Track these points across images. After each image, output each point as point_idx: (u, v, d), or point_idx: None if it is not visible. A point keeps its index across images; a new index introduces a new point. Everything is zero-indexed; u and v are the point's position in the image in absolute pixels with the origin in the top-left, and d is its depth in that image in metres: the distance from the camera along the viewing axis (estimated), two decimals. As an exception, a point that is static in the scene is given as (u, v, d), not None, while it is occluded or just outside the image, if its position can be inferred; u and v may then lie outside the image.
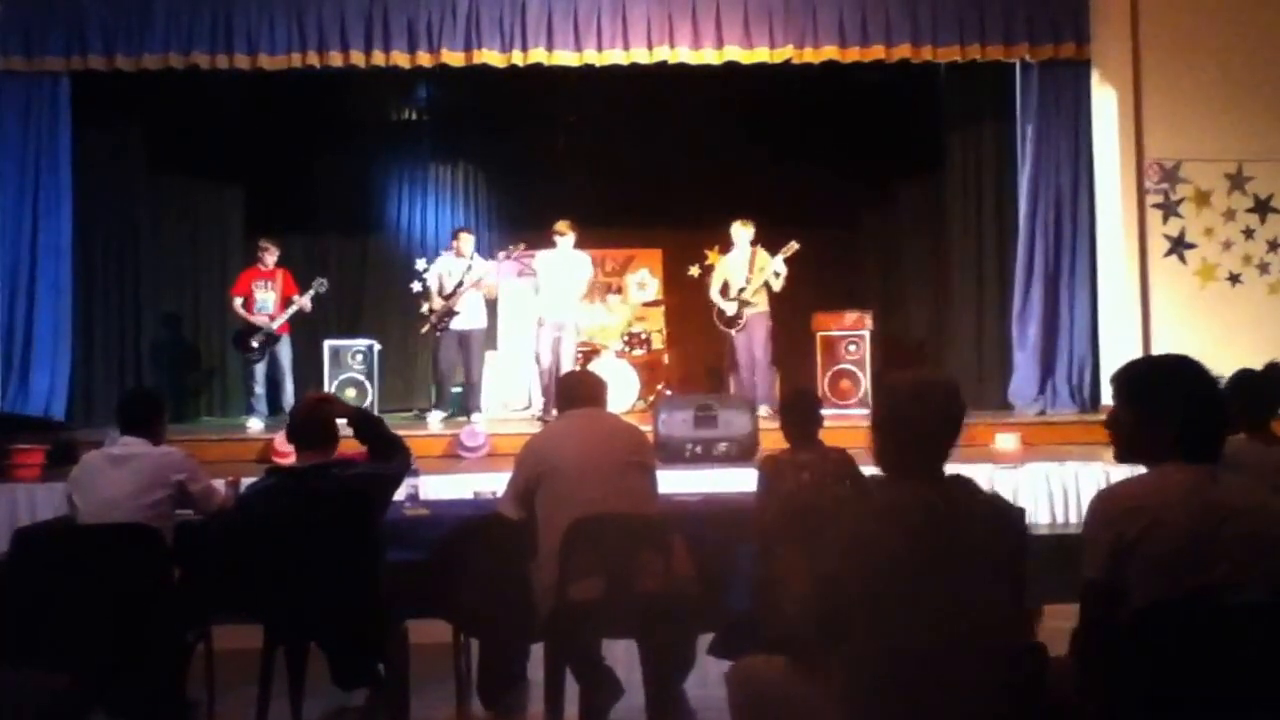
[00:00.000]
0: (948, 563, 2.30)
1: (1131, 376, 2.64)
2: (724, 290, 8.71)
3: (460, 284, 8.83)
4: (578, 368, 8.66)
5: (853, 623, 2.33)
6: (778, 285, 8.58)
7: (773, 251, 8.58)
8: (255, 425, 8.68)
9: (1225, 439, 2.56)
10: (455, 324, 8.87)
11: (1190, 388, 2.54)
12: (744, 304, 8.58)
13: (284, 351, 9.00)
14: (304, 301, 8.98)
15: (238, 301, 8.92)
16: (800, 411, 4.57)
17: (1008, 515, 2.44)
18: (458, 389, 9.13)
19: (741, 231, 8.66)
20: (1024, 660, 2.34)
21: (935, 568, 2.29)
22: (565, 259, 8.69)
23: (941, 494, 2.40)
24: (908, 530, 2.33)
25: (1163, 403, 2.52)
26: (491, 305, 9.96)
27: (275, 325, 8.88)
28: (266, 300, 8.94)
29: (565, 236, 8.62)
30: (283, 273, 9.06)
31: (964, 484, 2.46)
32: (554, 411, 4.54)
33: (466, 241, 9.04)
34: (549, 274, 8.72)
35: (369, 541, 3.74)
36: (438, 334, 8.88)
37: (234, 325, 9.17)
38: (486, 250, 10.17)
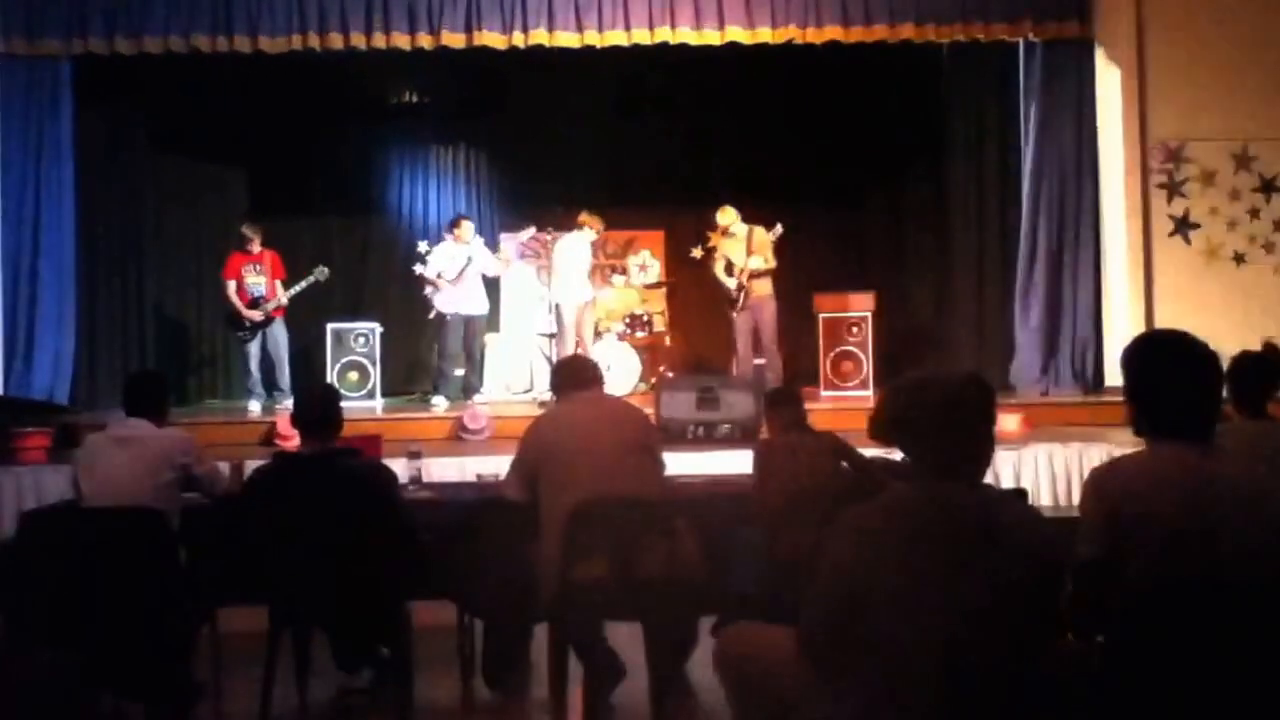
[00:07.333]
0: (960, 570, 2.22)
1: (1134, 352, 2.64)
2: (728, 269, 8.70)
3: (463, 271, 8.86)
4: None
5: (860, 617, 2.27)
6: (769, 264, 8.55)
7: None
8: (254, 408, 8.70)
9: (1218, 418, 2.56)
10: (461, 309, 8.89)
11: (1188, 365, 2.53)
12: (746, 282, 8.55)
13: (279, 334, 8.93)
14: (299, 288, 8.95)
15: (230, 286, 8.86)
16: (781, 402, 4.65)
17: (1050, 541, 2.32)
18: (459, 372, 9.15)
19: (730, 216, 8.61)
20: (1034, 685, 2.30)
21: (944, 571, 2.22)
22: (576, 240, 8.94)
23: (974, 500, 2.33)
24: (922, 529, 2.27)
25: (1162, 378, 2.53)
26: (494, 287, 9.96)
27: (270, 307, 8.84)
28: (258, 284, 8.86)
29: (586, 230, 8.91)
30: (271, 255, 8.95)
31: (1010, 499, 2.40)
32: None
33: (467, 229, 9.09)
34: (564, 257, 8.87)
35: (373, 526, 3.75)
36: (447, 319, 8.90)
37: (226, 308, 9.11)
38: (488, 233, 10.15)
